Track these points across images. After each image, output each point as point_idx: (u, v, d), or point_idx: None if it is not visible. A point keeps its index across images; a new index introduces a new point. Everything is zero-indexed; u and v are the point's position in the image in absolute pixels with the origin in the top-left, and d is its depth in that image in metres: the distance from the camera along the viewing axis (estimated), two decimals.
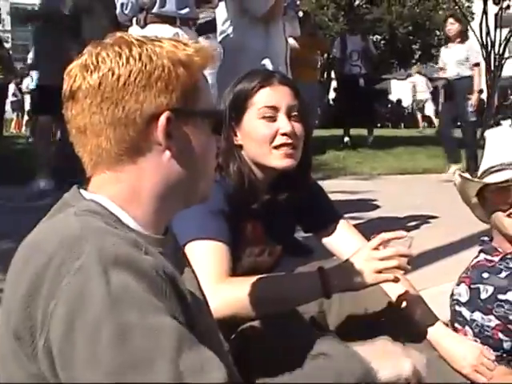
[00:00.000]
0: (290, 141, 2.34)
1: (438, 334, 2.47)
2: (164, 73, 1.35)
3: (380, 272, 2.10)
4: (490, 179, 2.76)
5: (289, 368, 2.13)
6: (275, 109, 2.33)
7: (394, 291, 2.48)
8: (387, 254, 2.11)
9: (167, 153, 1.38)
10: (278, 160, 2.35)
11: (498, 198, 2.76)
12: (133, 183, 1.38)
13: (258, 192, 2.37)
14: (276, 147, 2.34)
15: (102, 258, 1.19)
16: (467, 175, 2.83)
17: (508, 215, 2.74)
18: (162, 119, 1.36)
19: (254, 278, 2.15)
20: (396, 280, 2.14)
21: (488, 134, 2.93)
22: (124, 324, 1.14)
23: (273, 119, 2.33)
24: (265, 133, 2.33)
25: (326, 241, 2.61)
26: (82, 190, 1.41)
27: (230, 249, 2.25)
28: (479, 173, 2.84)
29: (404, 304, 2.49)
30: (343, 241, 2.56)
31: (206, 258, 2.11)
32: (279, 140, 2.33)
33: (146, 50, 1.36)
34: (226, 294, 2.05)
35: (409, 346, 2.35)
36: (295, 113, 2.38)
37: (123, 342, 1.13)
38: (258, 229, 2.43)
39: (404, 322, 2.44)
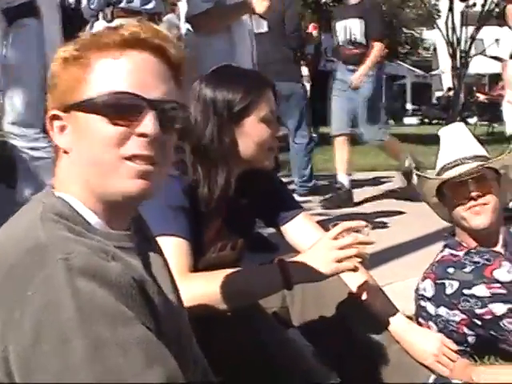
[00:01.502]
0: (280, 144, 2.43)
1: (399, 325, 2.47)
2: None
3: (340, 261, 2.10)
4: (446, 175, 2.78)
5: (251, 362, 2.14)
6: (273, 113, 2.36)
7: (354, 282, 2.48)
8: (346, 243, 2.10)
9: (68, 150, 1.37)
10: (269, 161, 2.39)
11: (456, 194, 2.78)
12: (80, 180, 1.36)
13: (231, 191, 2.37)
14: (270, 149, 2.37)
15: (68, 267, 1.17)
16: (423, 174, 2.85)
17: (468, 209, 2.76)
18: (48, 118, 1.37)
19: (215, 273, 2.14)
20: (356, 269, 2.13)
21: (441, 132, 2.95)
22: (95, 338, 1.12)
23: (271, 123, 2.35)
24: (267, 136, 2.34)
25: (287, 234, 2.61)
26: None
27: (190, 244, 2.23)
28: (436, 171, 2.85)
29: (364, 295, 2.49)
30: (304, 234, 2.56)
31: (168, 253, 2.09)
32: (274, 143, 2.37)
33: None
34: (188, 289, 2.02)
35: None
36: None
37: (95, 357, 1.11)
38: (219, 224, 2.42)
39: (365, 314, 2.45)
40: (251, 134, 2.33)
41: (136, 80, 1.33)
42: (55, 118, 1.37)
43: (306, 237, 2.51)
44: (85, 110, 1.32)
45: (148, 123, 1.32)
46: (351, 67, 7.04)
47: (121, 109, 1.31)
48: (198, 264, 2.29)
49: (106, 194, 1.34)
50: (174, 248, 2.15)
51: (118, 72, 1.33)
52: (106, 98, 1.31)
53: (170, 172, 2.23)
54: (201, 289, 2.09)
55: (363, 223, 2.16)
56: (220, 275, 2.11)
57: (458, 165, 2.76)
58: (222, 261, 2.38)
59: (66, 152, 1.37)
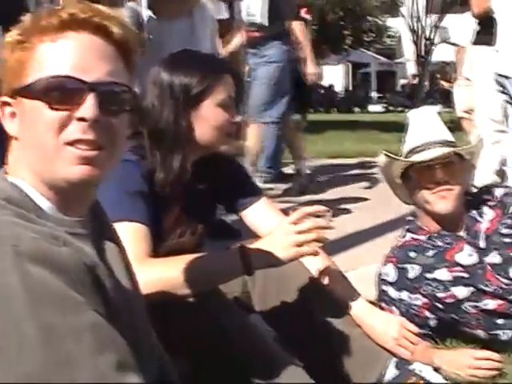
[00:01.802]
0: (236, 130, 2.42)
1: (360, 309, 2.48)
2: None
3: (300, 246, 2.09)
4: (416, 158, 2.78)
5: (211, 348, 2.12)
6: (231, 98, 2.35)
7: (315, 268, 2.48)
8: (306, 227, 2.09)
9: (17, 137, 1.34)
10: (227, 146, 2.40)
11: (423, 177, 2.78)
12: (28, 166, 1.33)
13: (187, 176, 2.35)
14: (228, 134, 2.37)
15: (16, 252, 1.15)
16: (392, 155, 2.84)
17: (433, 193, 2.76)
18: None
19: (174, 258, 2.12)
20: (316, 253, 2.13)
21: (410, 114, 2.96)
22: (45, 322, 1.10)
23: (229, 108, 2.34)
24: (224, 120, 2.33)
25: (247, 220, 2.60)
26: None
27: (149, 229, 2.21)
28: (404, 153, 2.85)
29: (326, 279, 2.49)
30: (264, 219, 2.55)
31: (125, 239, 2.08)
32: (232, 128, 2.37)
33: None
34: (146, 275, 2.00)
35: None
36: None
37: (46, 340, 1.10)
38: (178, 209, 2.41)
39: (327, 298, 2.45)
40: (208, 119, 2.32)
41: (75, 62, 1.30)
42: (5, 104, 1.34)
43: (267, 222, 2.50)
44: (27, 95, 1.30)
45: (87, 106, 1.28)
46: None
47: (60, 93, 1.28)
48: (159, 250, 2.27)
49: (52, 180, 1.31)
50: (132, 233, 2.13)
51: (58, 55, 1.30)
52: (46, 83, 1.28)
53: (128, 157, 2.24)
54: (159, 274, 2.07)
55: (323, 208, 2.15)
56: (179, 261, 2.10)
57: (426, 149, 2.76)
58: (181, 247, 2.37)
59: (16, 138, 1.34)
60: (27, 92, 1.29)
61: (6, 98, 1.33)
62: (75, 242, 1.27)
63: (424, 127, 2.85)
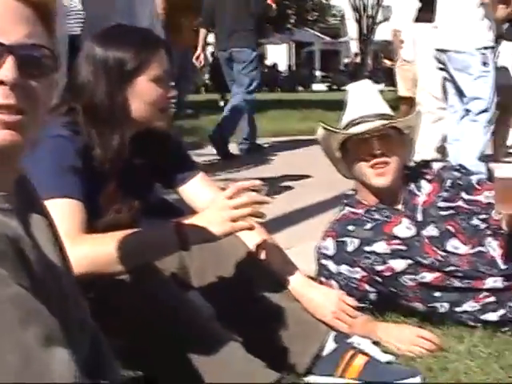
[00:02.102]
0: (172, 104, 2.39)
1: (298, 284, 2.48)
2: None
3: (235, 221, 2.08)
4: (352, 131, 2.78)
5: (148, 326, 2.11)
6: (166, 73, 2.32)
7: (252, 242, 2.48)
8: (241, 202, 2.08)
9: None
10: (163, 122, 2.36)
11: (360, 150, 2.78)
12: None
13: (125, 152, 2.32)
14: (163, 110, 2.34)
15: None
16: (330, 127, 2.84)
17: (370, 166, 2.77)
18: None
19: (108, 234, 2.09)
20: (252, 228, 2.12)
21: (349, 88, 2.96)
22: None
23: (163, 83, 2.31)
24: (158, 96, 2.30)
25: (184, 195, 2.58)
26: None
27: (83, 205, 2.17)
28: (342, 126, 2.85)
29: (263, 254, 2.49)
30: (201, 194, 2.53)
31: (57, 215, 2.04)
32: (167, 103, 2.34)
33: None
34: (80, 251, 1.98)
35: None
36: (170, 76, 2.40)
37: None
38: (115, 185, 2.38)
39: (265, 272, 2.45)
40: (142, 94, 2.29)
41: None
42: None
43: (203, 198, 2.49)
44: None
45: (6, 69, 1.23)
46: None
47: None
48: (95, 226, 2.24)
49: None
50: (64, 209, 2.09)
51: None
52: None
53: (61, 132, 2.20)
54: (92, 250, 2.04)
55: (258, 182, 2.14)
56: (113, 236, 2.07)
57: (364, 121, 2.77)
58: (117, 223, 2.34)
59: None
60: None
61: None
62: None
63: (362, 101, 2.85)
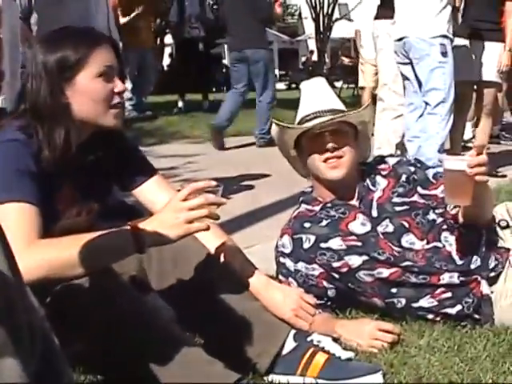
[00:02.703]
0: (121, 100, 2.33)
1: (257, 283, 2.49)
2: None
3: (191, 222, 2.07)
4: (305, 126, 2.79)
5: (105, 331, 2.09)
6: (111, 68, 2.29)
7: (211, 243, 2.47)
8: (196, 203, 2.07)
9: None
10: (112, 119, 2.31)
11: (313, 145, 2.79)
12: None
13: (72, 152, 2.30)
14: (112, 106, 2.30)
15: None
16: (282, 124, 2.84)
17: (323, 160, 2.77)
18: None
19: (63, 239, 2.07)
20: (208, 229, 2.11)
21: (302, 85, 2.96)
22: None
23: (109, 78, 2.28)
24: (104, 92, 2.27)
25: (140, 196, 2.56)
26: None
27: (39, 209, 2.15)
28: (295, 122, 2.86)
29: (222, 256, 2.48)
30: (157, 195, 2.51)
31: (12, 220, 2.02)
32: (115, 99, 2.30)
33: None
34: (37, 256, 1.97)
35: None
36: (119, 73, 2.35)
37: None
38: (71, 188, 2.35)
39: (224, 273, 2.44)
40: (86, 91, 2.27)
41: None
42: None
43: (160, 199, 2.47)
44: None
45: None
46: None
47: None
48: (52, 231, 2.22)
49: None
50: (18, 214, 2.08)
51: None
52: None
53: (15, 136, 2.18)
54: (49, 255, 2.03)
55: (213, 183, 2.13)
56: (68, 240, 2.06)
57: (316, 117, 2.77)
58: (76, 226, 2.32)
59: None
60: None
61: None
62: None
63: (315, 97, 2.86)
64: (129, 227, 2.09)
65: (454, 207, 2.76)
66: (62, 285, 2.11)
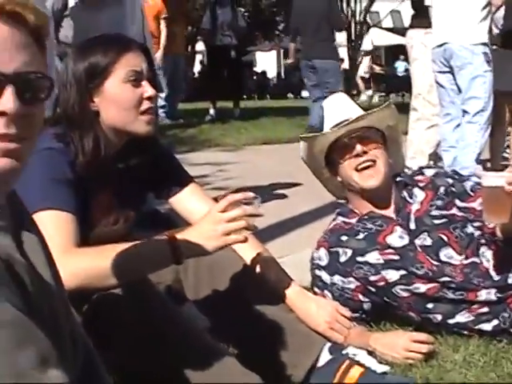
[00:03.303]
0: (153, 105, 2.32)
1: (293, 294, 2.48)
2: None
3: (229, 234, 2.07)
4: (328, 133, 2.79)
5: (142, 341, 2.09)
6: (140, 73, 2.28)
7: (247, 254, 2.47)
8: (234, 215, 2.07)
9: None
10: (144, 125, 2.30)
11: (343, 153, 2.78)
12: None
13: (108, 159, 2.31)
14: (142, 112, 2.29)
15: None
16: (308, 135, 2.84)
17: (356, 169, 2.76)
18: None
19: (101, 248, 2.08)
20: (245, 240, 2.11)
21: (324, 103, 2.97)
22: None
23: (137, 84, 2.28)
24: (132, 97, 2.27)
25: (176, 205, 2.57)
26: None
27: (76, 218, 2.16)
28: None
29: (258, 267, 2.48)
30: (193, 204, 2.52)
31: (51, 228, 2.03)
32: (145, 105, 2.29)
33: None
34: (74, 264, 1.97)
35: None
36: (150, 78, 2.34)
37: None
38: (109, 197, 2.36)
39: (260, 284, 2.44)
40: (114, 97, 2.27)
41: None
42: None
43: (196, 208, 2.48)
44: None
45: (7, 100, 1.22)
46: None
47: None
48: (88, 238, 2.24)
49: None
50: (55, 222, 2.09)
51: None
52: None
53: (52, 144, 2.20)
54: (86, 264, 2.04)
55: (251, 195, 2.13)
56: (106, 250, 2.07)
57: (342, 127, 2.77)
58: (112, 235, 2.33)
59: None
60: None
61: None
62: None
63: (337, 110, 2.85)
64: (166, 237, 2.10)
65: (488, 223, 2.73)
66: (98, 294, 2.11)
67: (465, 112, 5.45)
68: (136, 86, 2.28)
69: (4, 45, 1.25)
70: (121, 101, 2.28)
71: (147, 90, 2.29)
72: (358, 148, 2.75)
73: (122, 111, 2.28)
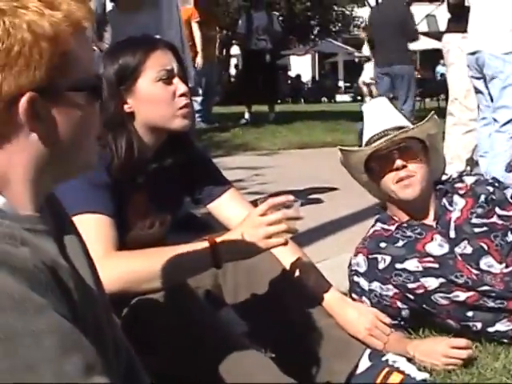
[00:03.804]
0: (188, 101, 2.34)
1: (332, 300, 2.47)
2: (24, 49, 1.19)
3: (270, 237, 2.07)
4: (367, 148, 2.76)
5: (181, 344, 2.10)
6: (170, 71, 2.30)
7: (286, 259, 2.46)
8: (275, 219, 2.07)
9: (34, 135, 1.24)
10: (180, 121, 2.32)
11: (382, 167, 2.76)
12: (1, 169, 1.27)
13: (144, 162, 2.33)
14: (179, 108, 2.31)
15: None
16: (348, 148, 2.82)
17: (395, 181, 2.74)
18: (23, 101, 1.21)
19: (142, 251, 2.10)
20: (286, 244, 2.11)
21: (364, 107, 2.94)
22: (5, 329, 1.06)
23: (169, 81, 2.30)
24: (166, 95, 2.30)
25: (215, 211, 2.57)
26: None
27: (114, 221, 2.18)
28: (363, 144, 2.83)
29: (297, 271, 2.48)
30: (233, 210, 2.52)
31: (89, 232, 2.03)
32: (180, 101, 2.31)
33: (3, 22, 1.19)
34: (113, 268, 1.98)
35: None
36: (181, 76, 2.36)
37: (6, 348, 1.05)
38: (145, 200, 2.37)
39: (299, 289, 2.44)
40: (148, 97, 2.30)
41: None
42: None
43: (235, 213, 2.48)
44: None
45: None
46: None
47: None
48: (125, 241, 2.26)
49: None
50: (96, 226, 2.11)
51: None
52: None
53: None
54: (126, 268, 2.05)
55: (292, 198, 2.13)
56: (146, 253, 2.07)
57: (382, 137, 2.74)
58: (149, 238, 2.34)
59: None
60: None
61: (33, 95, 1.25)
62: (34, 239, 1.22)
63: (378, 117, 2.83)
64: (207, 242, 2.10)
65: None
66: (138, 298, 2.12)
67: (495, 121, 5.39)
68: (168, 83, 2.30)
69: (85, 52, 1.31)
70: (155, 99, 2.30)
71: (180, 87, 2.31)
72: (398, 162, 2.73)
73: (158, 109, 2.30)
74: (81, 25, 1.27)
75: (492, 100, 5.46)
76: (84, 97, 1.29)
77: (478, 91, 5.67)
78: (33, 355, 1.06)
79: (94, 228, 2.09)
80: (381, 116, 2.84)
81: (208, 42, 11.31)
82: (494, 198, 2.81)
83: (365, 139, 2.82)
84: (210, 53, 11.40)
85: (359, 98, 31.72)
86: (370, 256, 2.78)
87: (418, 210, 2.82)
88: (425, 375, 2.36)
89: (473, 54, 5.48)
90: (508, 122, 5.31)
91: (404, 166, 2.74)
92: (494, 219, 2.78)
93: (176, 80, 2.31)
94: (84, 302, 1.29)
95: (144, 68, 2.28)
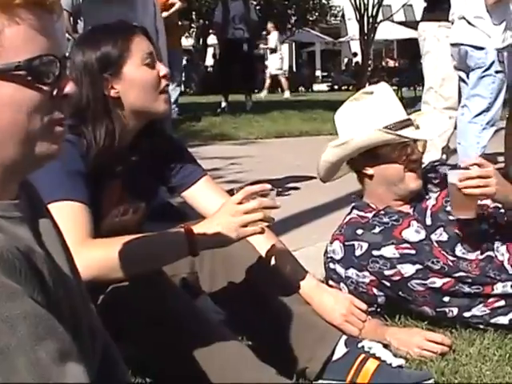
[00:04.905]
0: (169, 82, 2.39)
1: (308, 287, 2.48)
2: None
3: (246, 226, 2.07)
4: (414, 135, 2.78)
5: (156, 331, 2.10)
6: (151, 54, 2.32)
7: (263, 247, 2.47)
8: (251, 207, 2.07)
9: None
10: (163, 105, 2.35)
11: (400, 154, 2.77)
12: None
13: (122, 150, 2.32)
14: (161, 92, 2.34)
15: None
16: (390, 132, 2.75)
17: (410, 170, 2.77)
18: None
19: (117, 239, 2.08)
20: (262, 232, 2.11)
21: (375, 88, 2.89)
22: None
23: (152, 65, 2.32)
24: (152, 78, 2.31)
25: (190, 199, 2.57)
26: None
27: (89, 209, 2.17)
28: (381, 126, 2.75)
29: (274, 259, 2.48)
30: (208, 198, 2.52)
31: (65, 219, 2.02)
32: (163, 83, 2.34)
33: None
34: (89, 255, 1.97)
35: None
36: (160, 58, 2.40)
37: None
38: (119, 188, 2.37)
39: (275, 277, 2.44)
40: (135, 81, 2.30)
41: None
42: None
43: (210, 201, 2.48)
44: None
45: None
46: None
47: None
48: (100, 229, 2.25)
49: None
50: (71, 214, 2.09)
51: None
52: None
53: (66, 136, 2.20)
54: (101, 255, 2.04)
55: (268, 187, 2.13)
56: (122, 240, 2.06)
57: (408, 125, 2.76)
58: (123, 226, 2.34)
59: None
60: None
61: None
62: (10, 226, 1.21)
63: (394, 104, 2.83)
64: (182, 229, 2.10)
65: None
66: (114, 285, 2.12)
67: (467, 109, 5.40)
68: (151, 67, 2.31)
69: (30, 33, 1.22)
70: (142, 83, 2.31)
71: (161, 68, 2.34)
72: (418, 155, 2.79)
73: (144, 93, 2.31)
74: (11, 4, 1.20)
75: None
76: (27, 79, 1.22)
77: (461, 79, 5.69)
78: (6, 341, 1.06)
79: (69, 215, 2.08)
80: (394, 103, 2.85)
81: (174, 30, 11.15)
82: None
83: (386, 122, 2.78)
84: (171, 40, 11.26)
85: (336, 87, 31.90)
86: (346, 243, 2.79)
87: (410, 197, 2.86)
88: (401, 361, 2.37)
89: (455, 45, 5.50)
90: (481, 113, 5.33)
91: (420, 158, 2.81)
92: None
93: (157, 63, 2.34)
94: (58, 289, 1.28)
95: (128, 54, 2.28)
